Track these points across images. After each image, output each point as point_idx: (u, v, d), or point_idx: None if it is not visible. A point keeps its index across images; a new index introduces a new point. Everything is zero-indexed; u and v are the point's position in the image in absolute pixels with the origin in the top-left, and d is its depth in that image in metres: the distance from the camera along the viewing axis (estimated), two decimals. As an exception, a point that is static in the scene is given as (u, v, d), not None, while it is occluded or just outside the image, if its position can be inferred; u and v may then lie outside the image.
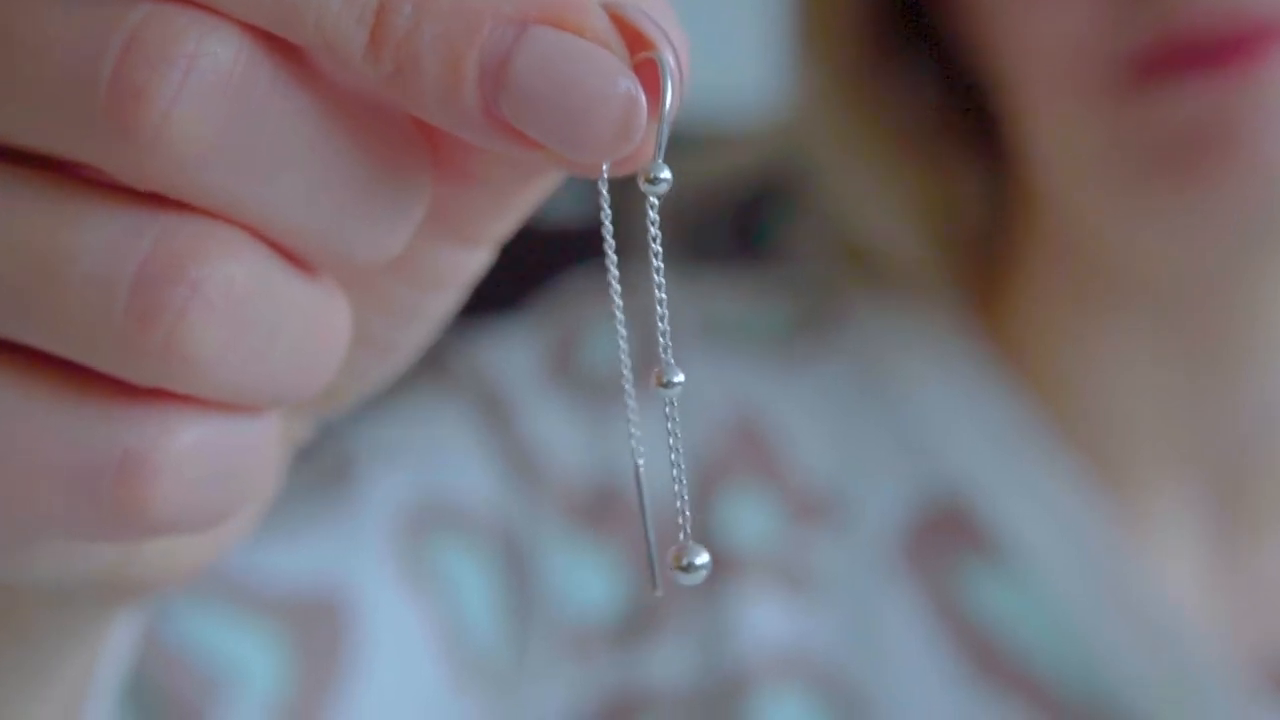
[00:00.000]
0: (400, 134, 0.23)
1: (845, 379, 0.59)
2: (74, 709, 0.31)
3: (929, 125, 0.60)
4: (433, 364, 0.57)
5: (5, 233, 0.21)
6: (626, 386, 0.24)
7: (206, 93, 0.21)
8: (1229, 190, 0.49)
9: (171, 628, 0.47)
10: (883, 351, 0.59)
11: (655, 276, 0.23)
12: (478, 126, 0.21)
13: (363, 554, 0.51)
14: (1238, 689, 0.52)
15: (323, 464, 0.53)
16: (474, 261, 0.27)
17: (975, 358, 0.58)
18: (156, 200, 0.21)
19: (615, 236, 0.23)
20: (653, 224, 0.23)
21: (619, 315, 0.24)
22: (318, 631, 0.49)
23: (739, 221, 0.66)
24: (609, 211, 0.23)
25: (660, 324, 0.23)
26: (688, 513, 0.24)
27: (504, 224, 0.26)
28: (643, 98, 0.21)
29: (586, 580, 0.54)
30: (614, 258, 0.23)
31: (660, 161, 0.22)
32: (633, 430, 0.24)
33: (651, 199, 0.23)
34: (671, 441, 0.24)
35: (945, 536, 0.55)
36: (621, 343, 0.24)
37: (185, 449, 0.22)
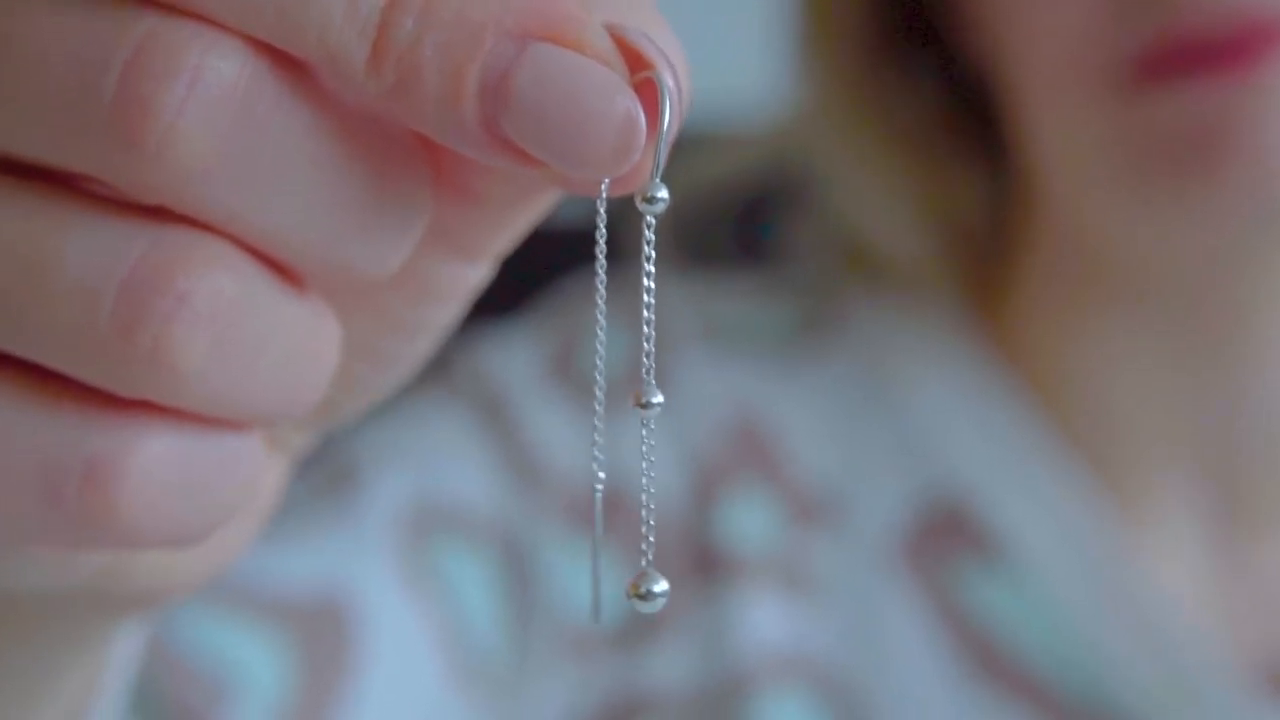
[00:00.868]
0: (401, 150, 0.23)
1: (847, 380, 0.59)
2: (78, 718, 0.31)
3: (931, 126, 0.60)
4: (434, 367, 0.57)
5: None
6: (598, 409, 0.25)
7: (211, 106, 0.21)
8: (1230, 190, 0.49)
9: (175, 632, 0.47)
10: (884, 353, 0.59)
11: (645, 296, 0.23)
12: (477, 141, 0.21)
13: (365, 558, 0.51)
14: (1237, 690, 0.52)
15: (325, 468, 0.53)
16: (474, 276, 0.27)
17: (977, 359, 0.58)
18: (146, 211, 0.21)
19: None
20: (648, 244, 0.23)
21: (601, 335, 0.24)
22: (321, 635, 0.49)
23: (741, 223, 0.66)
24: (604, 231, 0.23)
25: (645, 344, 0.23)
26: (652, 539, 0.24)
27: (504, 240, 0.27)
28: (642, 116, 0.21)
29: (587, 582, 0.54)
30: (604, 277, 0.24)
31: (658, 181, 0.23)
32: (596, 454, 0.24)
33: (648, 218, 0.23)
34: (645, 465, 0.24)
35: (946, 538, 0.55)
36: (599, 362, 0.24)
37: (154, 456, 0.22)
